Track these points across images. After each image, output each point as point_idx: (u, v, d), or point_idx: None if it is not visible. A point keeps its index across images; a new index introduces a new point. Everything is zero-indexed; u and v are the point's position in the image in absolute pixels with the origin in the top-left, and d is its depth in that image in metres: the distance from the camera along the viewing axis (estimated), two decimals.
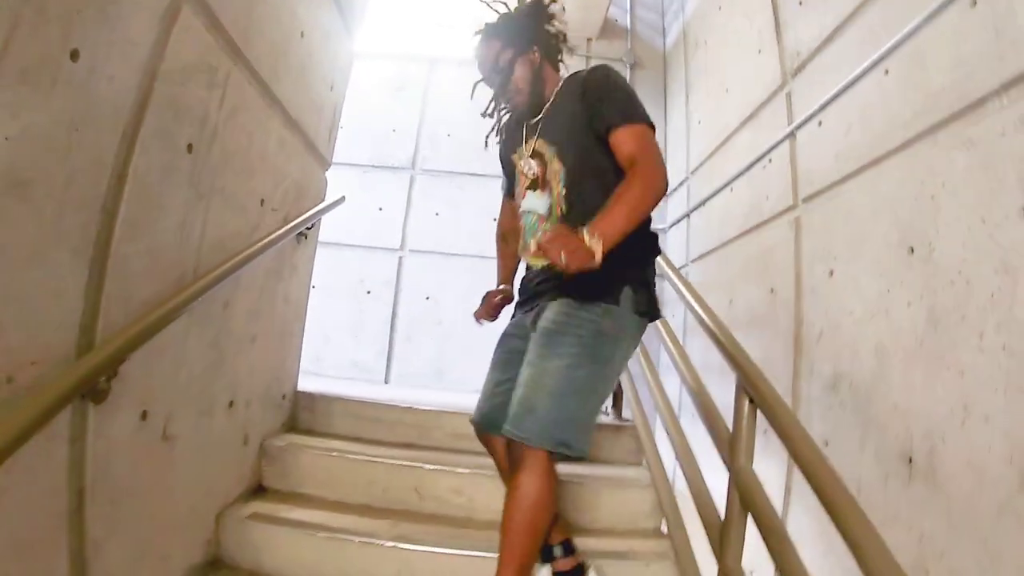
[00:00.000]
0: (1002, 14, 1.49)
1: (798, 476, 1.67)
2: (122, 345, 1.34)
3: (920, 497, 1.61)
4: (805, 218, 2.43)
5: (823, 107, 2.31)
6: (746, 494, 1.51)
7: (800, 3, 2.60)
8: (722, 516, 1.63)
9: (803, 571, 1.29)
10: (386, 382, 4.48)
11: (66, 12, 1.17)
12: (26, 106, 1.10)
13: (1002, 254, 1.44)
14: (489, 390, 1.79)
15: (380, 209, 4.68)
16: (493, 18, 1.82)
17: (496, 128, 1.92)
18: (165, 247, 1.59)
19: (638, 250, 1.68)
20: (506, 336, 1.86)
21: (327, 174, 2.87)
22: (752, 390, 1.56)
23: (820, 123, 2.35)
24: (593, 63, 1.79)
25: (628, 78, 4.84)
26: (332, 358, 4.44)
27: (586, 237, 1.38)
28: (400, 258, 4.66)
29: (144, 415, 1.56)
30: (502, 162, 2.01)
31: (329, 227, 3.77)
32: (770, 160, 2.78)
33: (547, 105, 1.79)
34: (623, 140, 1.60)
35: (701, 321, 2.01)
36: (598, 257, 1.37)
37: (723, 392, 1.84)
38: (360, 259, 4.62)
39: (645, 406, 2.81)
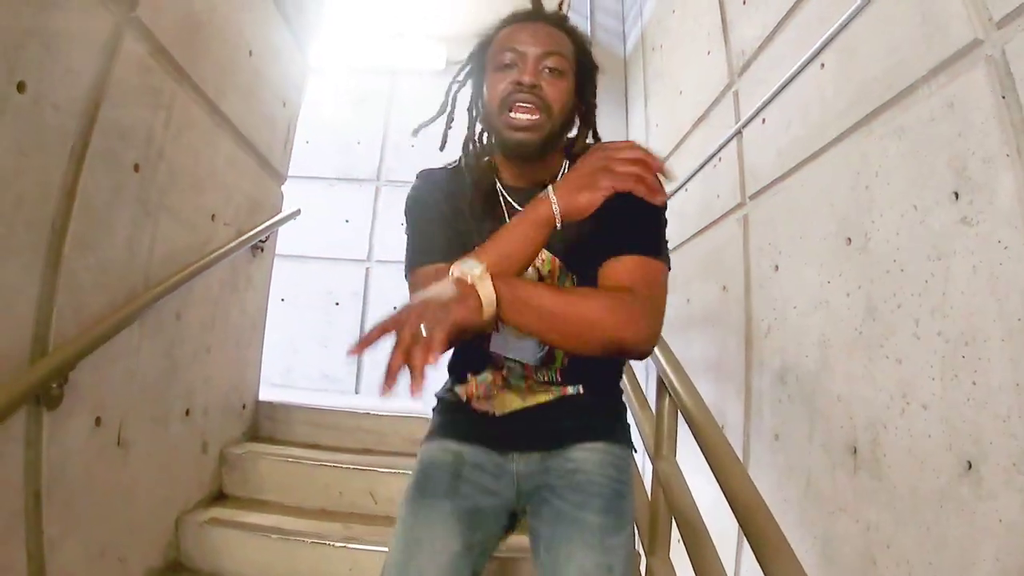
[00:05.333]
0: None
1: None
2: (71, 353, 1.42)
3: (865, 487, 1.59)
4: (752, 215, 2.41)
5: (766, 104, 2.29)
6: (667, 489, 1.58)
7: (744, 2, 2.58)
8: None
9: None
10: (356, 392, 4.49)
11: (12, 47, 1.26)
12: None
13: (934, 240, 1.41)
14: (443, 562, 1.04)
15: (347, 221, 4.72)
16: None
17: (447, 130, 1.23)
18: (114, 261, 1.66)
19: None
20: (463, 481, 1.15)
21: (285, 187, 2.93)
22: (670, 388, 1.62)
23: (764, 120, 2.33)
24: None
25: None
26: (302, 370, 4.47)
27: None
28: (367, 269, 4.69)
29: (98, 421, 1.62)
30: (452, 226, 1.16)
31: (296, 240, 3.82)
32: (720, 159, 2.76)
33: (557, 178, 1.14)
34: (629, 268, 1.04)
35: None
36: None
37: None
38: (328, 271, 4.64)
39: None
